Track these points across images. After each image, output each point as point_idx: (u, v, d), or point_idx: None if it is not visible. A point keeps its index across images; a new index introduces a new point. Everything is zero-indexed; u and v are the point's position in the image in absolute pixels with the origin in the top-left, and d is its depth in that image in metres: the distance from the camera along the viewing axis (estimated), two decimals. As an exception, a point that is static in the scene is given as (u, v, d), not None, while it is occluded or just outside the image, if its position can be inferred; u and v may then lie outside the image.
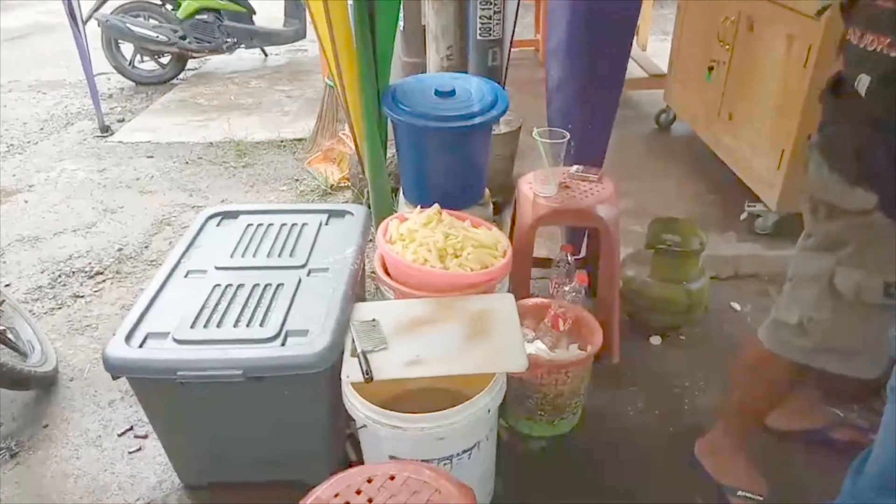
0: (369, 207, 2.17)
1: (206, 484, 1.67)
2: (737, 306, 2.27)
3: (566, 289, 1.77)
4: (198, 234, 1.85)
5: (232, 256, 1.73)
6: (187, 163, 3.47)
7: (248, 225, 1.87)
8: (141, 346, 1.45)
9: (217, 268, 1.69)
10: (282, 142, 3.66)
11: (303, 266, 1.70)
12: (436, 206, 1.84)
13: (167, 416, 1.55)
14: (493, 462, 1.55)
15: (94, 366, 2.09)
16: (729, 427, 1.58)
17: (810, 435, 1.71)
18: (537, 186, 1.91)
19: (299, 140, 3.64)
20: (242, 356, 1.40)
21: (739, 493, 1.54)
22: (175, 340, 1.45)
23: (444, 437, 1.33)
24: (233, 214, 1.94)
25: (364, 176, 2.52)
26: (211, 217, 1.93)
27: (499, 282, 1.68)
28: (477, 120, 1.81)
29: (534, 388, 1.69)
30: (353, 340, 1.46)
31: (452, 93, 1.87)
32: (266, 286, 1.61)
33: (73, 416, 1.91)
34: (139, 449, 1.80)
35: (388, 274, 1.70)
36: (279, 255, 1.74)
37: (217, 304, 1.55)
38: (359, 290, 1.77)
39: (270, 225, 1.87)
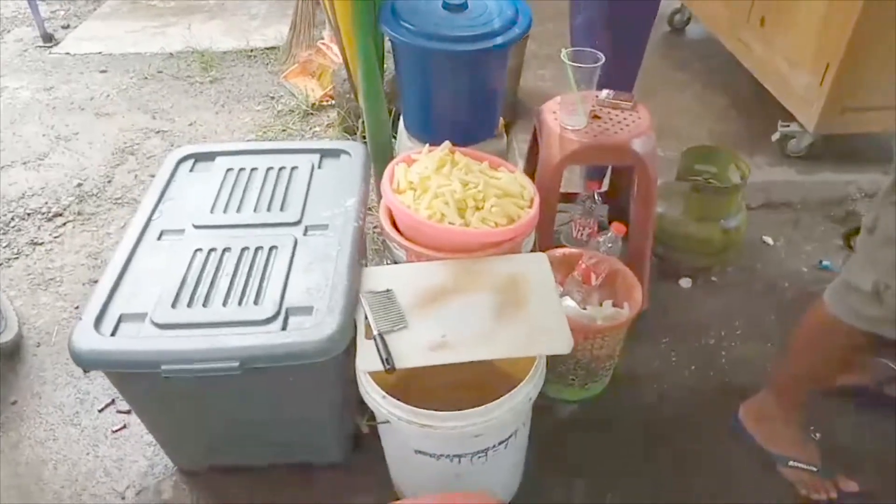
0: (364, 141, 1.90)
1: (204, 468, 1.50)
2: (769, 240, 2.09)
3: (600, 239, 1.56)
4: (169, 182, 1.57)
5: (212, 211, 1.47)
6: (146, 78, 3.07)
7: (228, 170, 1.60)
8: (114, 332, 1.22)
9: (196, 226, 1.44)
10: (251, 51, 3.26)
11: (297, 223, 1.45)
12: (447, 144, 1.58)
13: (152, 409, 1.35)
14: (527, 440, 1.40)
15: (63, 328, 1.86)
16: (781, 394, 1.44)
17: (860, 391, 1.57)
18: (564, 117, 1.64)
19: (271, 49, 3.24)
20: (237, 344, 1.18)
21: (791, 462, 1.42)
22: (155, 324, 1.22)
23: (481, 434, 1.15)
24: (208, 156, 1.66)
25: (353, 97, 2.21)
26: (182, 160, 1.64)
27: (526, 237, 1.46)
28: (498, 40, 1.51)
29: (567, 355, 1.51)
30: (367, 317, 1.25)
31: (464, 6, 1.56)
32: (257, 250, 1.37)
33: (44, 389, 1.70)
34: (124, 426, 1.61)
35: (398, 229, 1.46)
36: (268, 209, 1.48)
37: (201, 276, 1.31)
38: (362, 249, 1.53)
39: (254, 169, 1.60)
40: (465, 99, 1.64)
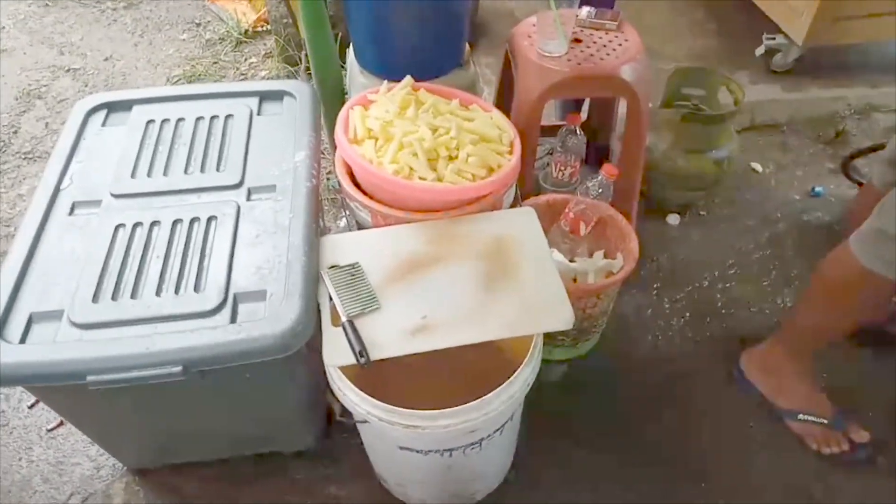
0: (309, 76, 1.64)
1: (159, 466, 1.33)
2: (758, 167, 1.95)
3: (589, 184, 1.38)
4: (77, 141, 1.30)
5: (133, 176, 1.23)
6: (48, 5, 2.65)
7: (149, 121, 1.33)
8: (24, 338, 1.00)
9: (115, 195, 1.19)
10: (171, -32, 2.84)
11: (238, 185, 1.22)
12: (408, 79, 1.35)
13: (86, 420, 1.16)
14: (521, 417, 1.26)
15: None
16: (792, 344, 1.33)
17: (875, 331, 1.47)
18: (541, 42, 1.42)
19: (193, -36, 2.83)
20: (178, 344, 0.97)
21: (801, 416, 1.33)
22: (74, 325, 1.00)
23: (475, 430, 1.00)
24: (123, 105, 1.38)
25: (292, 24, 1.92)
26: (92, 112, 1.36)
27: (508, 188, 1.27)
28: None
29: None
30: (332, 300, 1.06)
31: None
32: (192, 222, 1.14)
33: (-41, 388, 1.48)
34: (60, 423, 1.41)
35: (358, 186, 1.25)
36: (202, 170, 1.24)
37: (126, 259, 1.08)
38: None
39: (181, 120, 1.34)
40: (427, 23, 1.38)
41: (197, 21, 2.54)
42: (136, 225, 1.13)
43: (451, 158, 1.23)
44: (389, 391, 1.02)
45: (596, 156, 1.82)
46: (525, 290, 1.07)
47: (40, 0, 2.67)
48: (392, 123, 1.26)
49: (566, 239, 1.43)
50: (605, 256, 1.43)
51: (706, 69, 1.71)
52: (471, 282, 1.08)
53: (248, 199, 1.20)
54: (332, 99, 1.59)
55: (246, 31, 2.41)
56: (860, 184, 1.82)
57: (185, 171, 1.24)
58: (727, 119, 1.61)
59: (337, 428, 1.35)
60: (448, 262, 1.11)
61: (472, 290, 1.07)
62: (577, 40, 1.45)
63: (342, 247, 1.15)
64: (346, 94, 1.63)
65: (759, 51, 2.15)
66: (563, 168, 1.62)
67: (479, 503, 1.29)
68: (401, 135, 1.22)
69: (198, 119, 1.34)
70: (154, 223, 1.14)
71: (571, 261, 1.43)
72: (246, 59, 2.33)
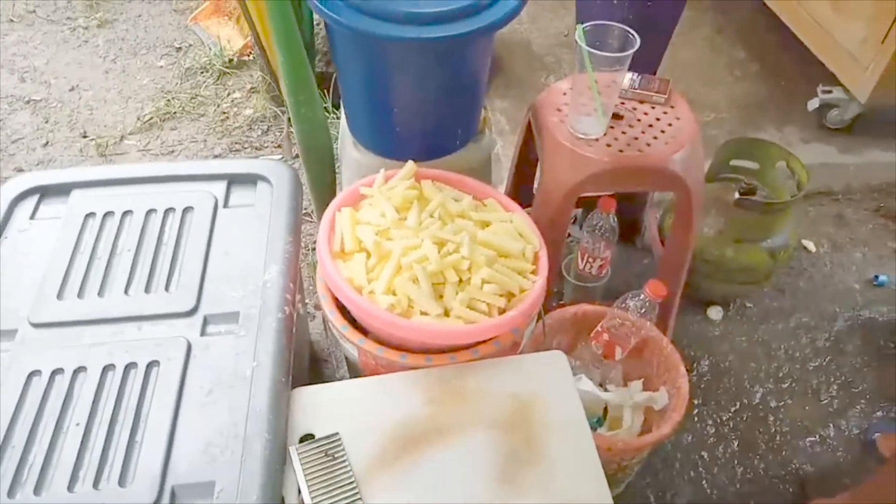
0: (292, 143, 1.39)
1: None
2: (811, 245, 1.69)
3: (630, 303, 1.13)
4: (-4, 239, 1.05)
5: (61, 297, 0.97)
6: (12, 20, 2.38)
7: (89, 215, 1.08)
8: None
9: (34, 324, 0.94)
10: (152, -19, 2.57)
11: (192, 311, 0.96)
12: (410, 166, 1.09)
13: None
14: None
15: None
16: None
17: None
18: (575, 119, 1.16)
19: (176, -23, 2.56)
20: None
21: None
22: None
23: None
24: (60, 189, 1.13)
25: (275, 87, 1.67)
26: (20, 198, 1.11)
27: (531, 320, 1.02)
28: (484, 21, 0.99)
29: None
30: (300, 491, 0.81)
31: (431, -39, 1.02)
32: (127, 369, 0.89)
33: None
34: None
35: (345, 315, 0.99)
36: (147, 290, 0.98)
37: (35, 430, 0.83)
38: (298, 330, 1.05)
39: (127, 214, 1.08)
40: (436, 100, 1.12)
41: (177, 44, 2.27)
42: (55, 372, 0.88)
43: (461, 282, 0.97)
44: None
45: (623, 229, 1.57)
46: (554, 481, 0.82)
47: (4, 13, 2.40)
48: (388, 233, 1.01)
49: (597, 362, 1.18)
50: (645, 387, 1.18)
51: (762, 141, 1.45)
52: (484, 467, 0.83)
53: (203, 332, 0.94)
54: (319, 170, 1.33)
55: (231, 59, 2.15)
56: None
57: (126, 291, 0.98)
58: (788, 207, 1.36)
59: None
60: (455, 435, 0.86)
61: (486, 482, 0.82)
62: (618, 116, 1.19)
63: (319, 405, 0.90)
64: (338, 163, 1.38)
65: (813, 104, 1.88)
66: (591, 260, 1.36)
67: None
68: (399, 252, 0.97)
69: (149, 212, 1.08)
70: (78, 370, 0.88)
71: (604, 390, 1.18)
72: (229, 94, 2.07)
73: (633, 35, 1.05)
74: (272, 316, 0.95)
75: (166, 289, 0.98)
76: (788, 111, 1.95)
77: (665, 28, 1.33)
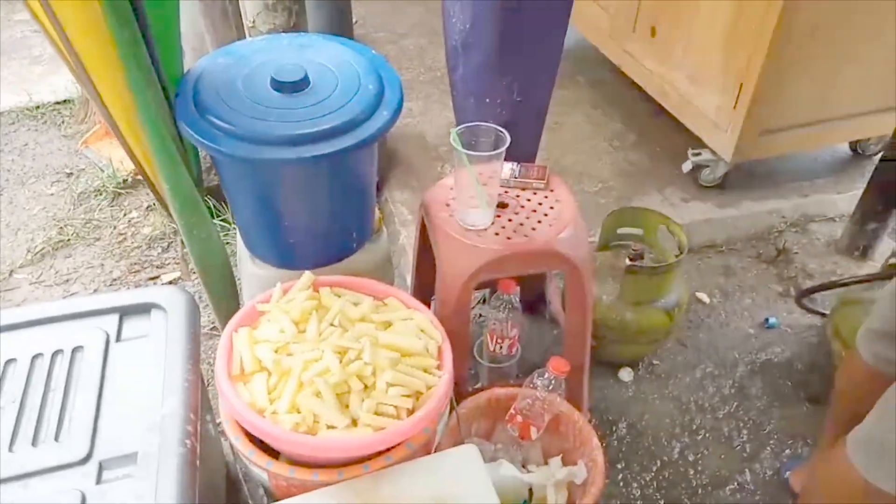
0: (187, 263, 1.37)
1: None
2: (704, 297, 1.80)
3: (536, 381, 1.16)
4: None
5: (-64, 461, 0.90)
6: None
7: (-33, 366, 1.02)
8: None
9: None
10: (38, 108, 2.53)
11: (85, 459, 0.91)
12: (307, 277, 1.10)
13: None
14: None
15: None
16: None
17: None
18: (462, 213, 1.21)
19: (63, 103, 2.54)
20: None
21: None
22: None
23: None
24: (-66, 342, 1.06)
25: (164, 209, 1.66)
26: None
27: (441, 416, 1.02)
28: (365, 133, 1.04)
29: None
30: None
31: (304, 82, 1.07)
32: (14, 534, 0.82)
33: None
34: None
35: (252, 439, 0.97)
36: (34, 443, 0.93)
37: None
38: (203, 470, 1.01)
39: (11, 362, 1.03)
40: (326, 209, 1.15)
41: (68, 170, 2.23)
42: (-72, 554, 0.81)
43: (366, 388, 0.97)
44: None
45: (532, 303, 1.63)
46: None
47: None
48: (288, 348, 1.00)
49: (516, 444, 1.19)
50: (564, 461, 1.20)
51: (642, 209, 1.56)
52: (406, 583, 0.81)
53: (99, 480, 0.89)
54: (219, 286, 1.31)
55: (125, 180, 2.13)
56: (821, 314, 1.71)
57: (11, 448, 0.92)
58: (674, 268, 1.45)
59: None
60: (373, 552, 0.84)
61: None
62: (503, 205, 1.26)
63: (229, 542, 0.86)
64: (238, 281, 1.37)
65: (686, 167, 2.05)
66: (500, 341, 1.39)
67: None
68: (300, 368, 0.96)
69: (34, 358, 1.03)
70: (-43, 545, 0.81)
71: (527, 471, 1.19)
72: (125, 215, 2.03)
73: (503, 133, 1.13)
74: (173, 452, 0.91)
75: (56, 439, 0.93)
76: (666, 174, 2.11)
77: (538, 115, 1.43)
